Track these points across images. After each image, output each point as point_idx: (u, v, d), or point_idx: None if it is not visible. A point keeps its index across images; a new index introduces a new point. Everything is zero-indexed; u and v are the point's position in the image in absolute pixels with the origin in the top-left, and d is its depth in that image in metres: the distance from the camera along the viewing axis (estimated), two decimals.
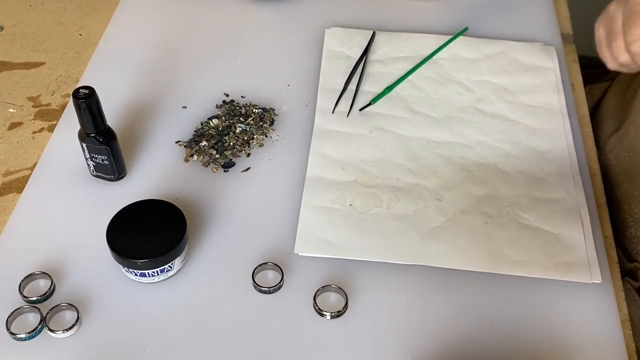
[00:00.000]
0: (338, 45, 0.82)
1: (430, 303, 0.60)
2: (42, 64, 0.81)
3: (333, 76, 0.79)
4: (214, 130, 0.73)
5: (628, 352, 0.58)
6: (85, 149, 0.65)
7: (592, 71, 0.95)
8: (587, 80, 0.86)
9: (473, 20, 0.87)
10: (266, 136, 0.73)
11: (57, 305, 0.58)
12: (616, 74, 0.89)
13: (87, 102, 0.61)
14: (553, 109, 0.76)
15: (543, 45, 0.83)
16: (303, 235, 0.64)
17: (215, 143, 0.71)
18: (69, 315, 0.58)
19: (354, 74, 0.79)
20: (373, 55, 0.82)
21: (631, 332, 0.59)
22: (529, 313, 0.60)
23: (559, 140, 0.73)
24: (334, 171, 0.69)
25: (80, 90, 0.61)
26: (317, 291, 0.60)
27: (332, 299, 0.60)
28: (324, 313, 0.59)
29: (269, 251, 0.63)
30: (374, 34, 0.83)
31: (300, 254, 0.63)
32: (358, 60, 0.80)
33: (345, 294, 0.60)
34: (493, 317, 0.60)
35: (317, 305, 0.59)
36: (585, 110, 0.79)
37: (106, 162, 0.66)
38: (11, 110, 0.76)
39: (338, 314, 0.59)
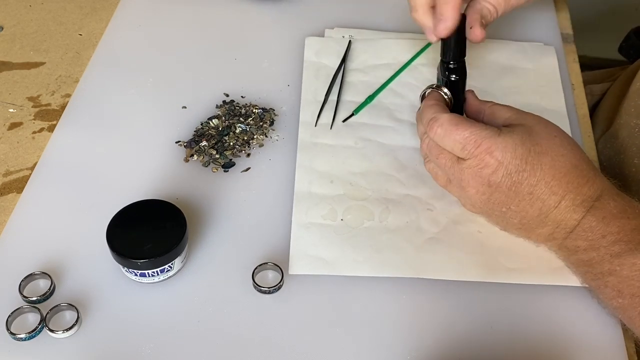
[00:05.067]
0: (315, 56, 0.81)
1: (430, 303, 0.60)
2: (42, 64, 0.81)
3: (314, 88, 0.77)
4: (214, 130, 0.73)
5: (628, 353, 0.58)
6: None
7: (595, 72, 0.95)
8: (589, 81, 0.86)
9: None
10: (266, 136, 0.73)
11: (57, 305, 0.58)
12: (618, 74, 0.89)
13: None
14: (552, 110, 0.76)
15: (543, 46, 0.83)
16: (296, 254, 0.63)
17: (215, 143, 0.71)
18: (69, 315, 0.58)
19: (333, 84, 0.78)
20: (352, 64, 0.80)
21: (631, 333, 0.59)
22: (529, 314, 0.60)
23: None
24: (323, 185, 0.68)
25: None
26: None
27: (332, 300, 0.60)
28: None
29: (269, 251, 0.63)
30: (349, 42, 0.82)
31: (298, 273, 0.62)
32: (337, 70, 0.79)
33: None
34: (493, 318, 0.59)
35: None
36: (585, 110, 0.78)
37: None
38: (11, 110, 0.76)
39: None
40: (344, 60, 0.80)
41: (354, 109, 0.75)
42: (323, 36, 0.84)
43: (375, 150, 0.72)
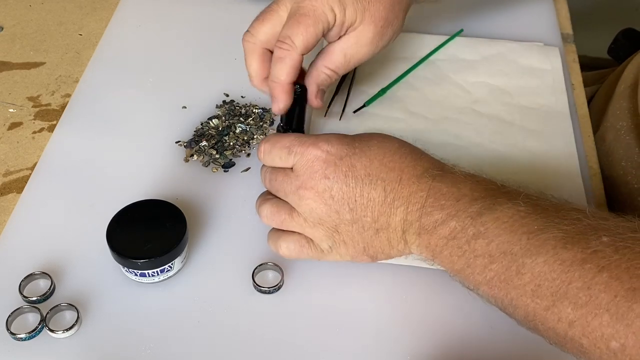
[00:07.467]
0: None
1: (431, 303, 0.60)
2: (42, 64, 0.81)
3: None
4: (214, 130, 0.73)
5: None
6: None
7: (586, 73, 0.95)
8: (586, 83, 0.87)
9: (472, 20, 0.87)
10: (266, 136, 0.73)
11: (57, 305, 0.58)
12: (606, 76, 0.89)
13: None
14: (552, 110, 0.76)
15: (545, 46, 0.83)
16: None
17: (215, 143, 0.71)
18: (69, 315, 0.58)
19: (346, 75, 0.78)
20: None
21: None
22: None
23: (557, 141, 0.73)
24: None
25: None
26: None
27: (332, 299, 0.60)
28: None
29: (269, 251, 0.63)
30: None
31: None
32: None
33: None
34: (493, 318, 0.59)
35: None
36: (585, 111, 0.79)
37: None
38: (11, 110, 0.76)
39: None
40: None
41: (367, 99, 0.76)
42: None
43: None
